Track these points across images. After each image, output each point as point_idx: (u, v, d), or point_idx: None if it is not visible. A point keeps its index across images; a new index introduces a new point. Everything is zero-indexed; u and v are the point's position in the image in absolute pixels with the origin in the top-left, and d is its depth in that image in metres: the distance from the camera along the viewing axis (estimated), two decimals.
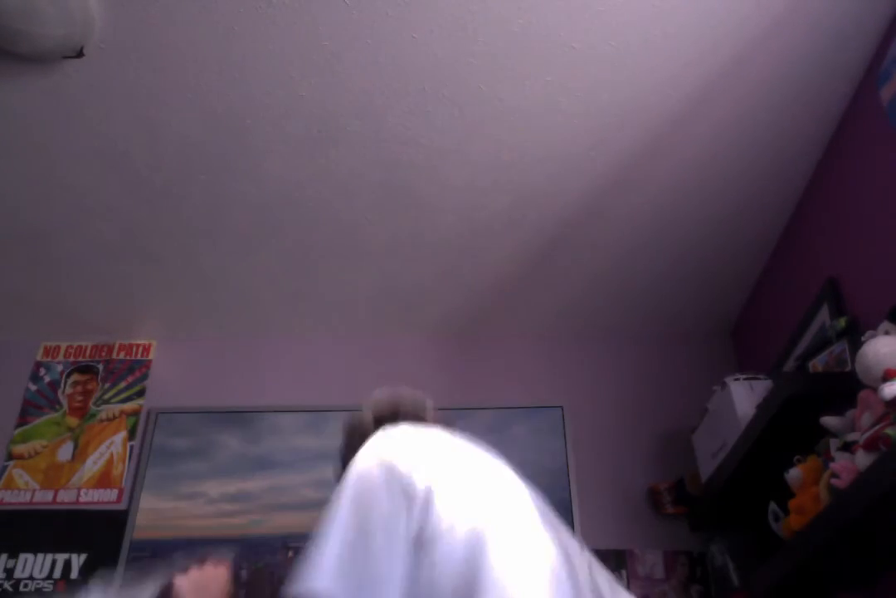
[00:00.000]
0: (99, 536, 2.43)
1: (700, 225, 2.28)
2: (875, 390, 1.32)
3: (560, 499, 2.45)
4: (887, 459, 1.24)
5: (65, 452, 2.60)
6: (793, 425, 1.72)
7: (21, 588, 2.34)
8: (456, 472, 1.22)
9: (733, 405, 1.96)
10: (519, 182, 2.11)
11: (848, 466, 1.38)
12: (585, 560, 1.23)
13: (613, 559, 2.35)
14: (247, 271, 2.48)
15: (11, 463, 2.58)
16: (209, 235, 2.31)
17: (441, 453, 1.26)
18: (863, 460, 1.32)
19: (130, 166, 2.05)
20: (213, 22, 1.66)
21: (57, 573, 2.37)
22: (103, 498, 2.51)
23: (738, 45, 1.72)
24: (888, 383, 1.27)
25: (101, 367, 2.77)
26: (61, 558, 2.40)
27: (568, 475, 2.49)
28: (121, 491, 2.52)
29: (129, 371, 2.75)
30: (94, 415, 2.67)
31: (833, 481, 1.40)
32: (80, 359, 2.80)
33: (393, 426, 1.32)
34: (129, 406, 2.68)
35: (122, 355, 2.78)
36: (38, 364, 2.79)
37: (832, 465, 1.43)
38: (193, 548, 2.43)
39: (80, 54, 1.69)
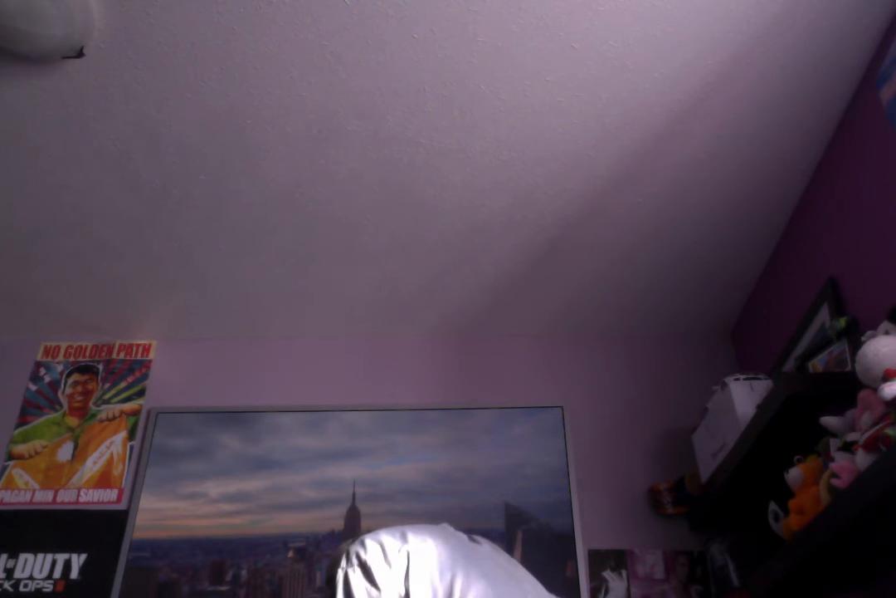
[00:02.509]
0: (99, 536, 2.44)
1: (700, 224, 2.28)
2: (875, 390, 1.32)
3: (560, 499, 2.45)
4: (887, 459, 1.24)
5: (65, 452, 2.60)
6: (793, 425, 1.72)
7: (21, 588, 2.35)
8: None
9: (733, 405, 1.96)
10: (519, 182, 2.11)
11: (848, 466, 1.38)
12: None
13: (613, 559, 2.36)
14: (247, 271, 2.48)
15: (11, 463, 2.58)
16: (209, 235, 2.31)
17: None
18: (863, 460, 1.32)
19: (130, 166, 2.06)
20: (213, 22, 1.66)
21: (57, 573, 2.37)
22: (103, 498, 2.51)
23: (738, 45, 1.72)
24: (888, 383, 1.27)
25: (101, 367, 2.77)
26: (61, 558, 2.40)
27: (568, 475, 2.49)
28: (121, 491, 2.52)
29: (129, 371, 2.75)
30: (94, 415, 2.67)
31: (833, 481, 1.40)
32: (80, 359, 2.80)
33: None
34: (129, 406, 2.68)
35: (122, 355, 2.78)
36: (38, 364, 2.79)
37: (832, 465, 1.43)
38: (193, 548, 2.44)
39: (80, 54, 1.69)
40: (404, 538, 1.40)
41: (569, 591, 2.30)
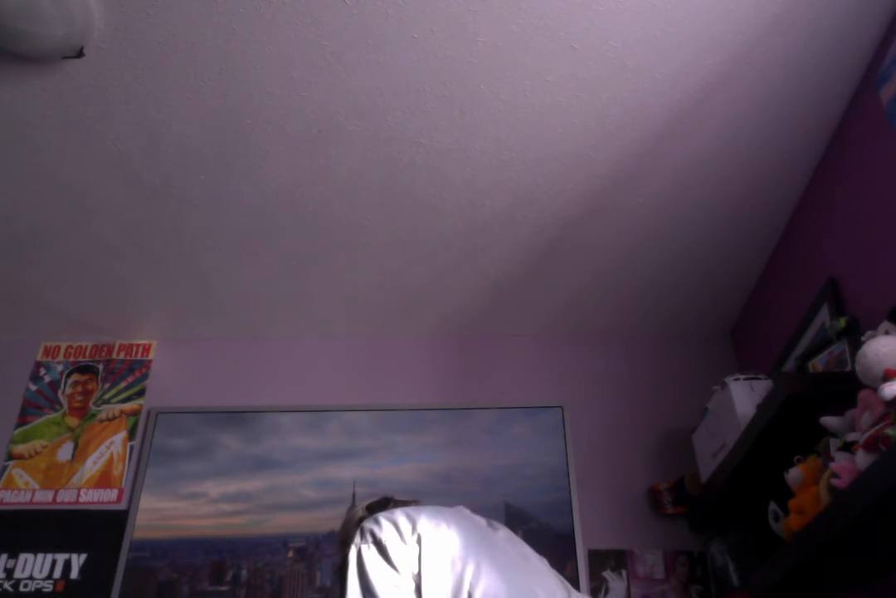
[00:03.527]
0: (99, 536, 2.44)
1: (700, 224, 2.28)
2: (875, 390, 1.32)
3: (560, 499, 2.45)
4: (887, 459, 1.24)
5: (65, 452, 2.60)
6: (793, 425, 1.72)
7: (21, 588, 2.35)
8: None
9: (733, 405, 1.96)
10: (519, 182, 2.11)
11: (848, 466, 1.38)
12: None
13: (613, 559, 2.36)
14: (247, 272, 2.48)
15: (11, 463, 2.58)
16: (209, 235, 2.31)
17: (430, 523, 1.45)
18: (863, 460, 1.32)
19: (130, 166, 2.06)
20: (213, 22, 1.66)
21: (57, 573, 2.37)
22: (103, 498, 2.51)
23: (738, 45, 1.72)
24: (888, 383, 1.27)
25: (101, 367, 2.77)
26: (61, 558, 2.40)
27: (568, 475, 2.49)
28: (121, 491, 2.52)
29: (129, 371, 2.75)
30: (94, 415, 2.67)
31: (833, 481, 1.40)
32: (80, 359, 2.80)
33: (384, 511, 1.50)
34: (129, 406, 2.68)
35: (122, 355, 2.78)
36: (38, 364, 2.79)
37: (832, 465, 1.43)
38: (193, 548, 2.44)
39: (80, 54, 1.69)
40: (419, 521, 1.39)
41: None
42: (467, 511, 1.55)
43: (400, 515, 1.41)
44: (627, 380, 2.70)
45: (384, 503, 1.56)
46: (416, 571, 1.31)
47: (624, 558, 2.36)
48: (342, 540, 1.52)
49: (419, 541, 1.35)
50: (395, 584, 1.30)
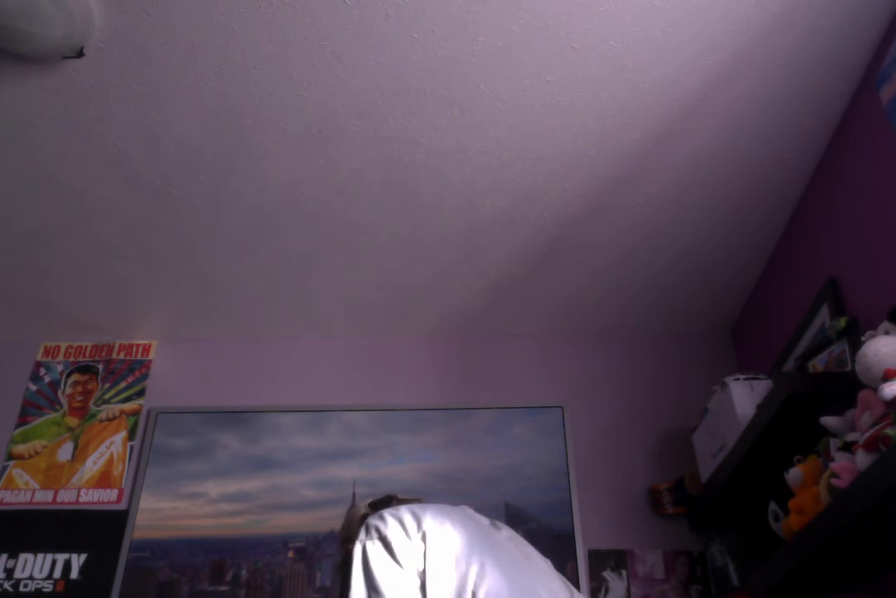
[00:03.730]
0: (99, 536, 2.44)
1: (700, 224, 2.28)
2: (875, 390, 1.32)
3: (560, 499, 2.45)
4: (887, 459, 1.24)
5: (65, 452, 2.60)
6: (793, 425, 1.72)
7: (21, 588, 2.35)
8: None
9: (733, 405, 1.96)
10: (519, 182, 2.11)
11: (848, 466, 1.38)
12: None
13: (613, 559, 2.36)
14: (247, 272, 2.48)
15: (11, 463, 2.58)
16: (209, 235, 2.31)
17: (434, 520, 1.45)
18: (863, 460, 1.32)
19: (130, 166, 2.06)
20: (213, 22, 1.66)
21: (57, 573, 2.37)
22: (103, 498, 2.51)
23: (738, 45, 1.72)
24: (888, 383, 1.27)
25: (101, 367, 2.77)
26: (61, 558, 2.40)
27: (568, 475, 2.49)
28: (121, 491, 2.52)
29: (129, 371, 2.75)
30: (94, 415, 2.67)
31: (833, 481, 1.40)
32: (80, 359, 2.80)
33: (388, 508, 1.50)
34: (129, 406, 2.68)
35: (122, 355, 2.78)
36: (38, 364, 2.79)
37: (832, 465, 1.43)
38: (193, 548, 2.44)
39: (80, 54, 1.69)
40: (424, 518, 1.39)
41: None
42: (471, 511, 1.55)
43: (405, 512, 1.41)
44: (627, 380, 2.70)
45: (387, 501, 1.56)
46: (420, 568, 1.31)
47: (624, 558, 2.36)
48: (345, 537, 1.52)
49: (424, 538, 1.35)
50: (399, 580, 1.30)
